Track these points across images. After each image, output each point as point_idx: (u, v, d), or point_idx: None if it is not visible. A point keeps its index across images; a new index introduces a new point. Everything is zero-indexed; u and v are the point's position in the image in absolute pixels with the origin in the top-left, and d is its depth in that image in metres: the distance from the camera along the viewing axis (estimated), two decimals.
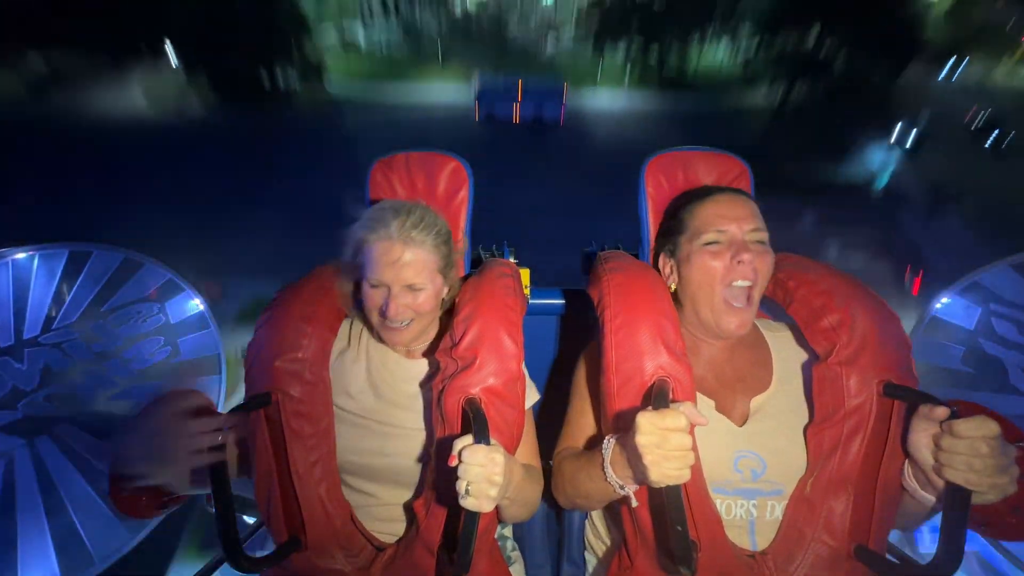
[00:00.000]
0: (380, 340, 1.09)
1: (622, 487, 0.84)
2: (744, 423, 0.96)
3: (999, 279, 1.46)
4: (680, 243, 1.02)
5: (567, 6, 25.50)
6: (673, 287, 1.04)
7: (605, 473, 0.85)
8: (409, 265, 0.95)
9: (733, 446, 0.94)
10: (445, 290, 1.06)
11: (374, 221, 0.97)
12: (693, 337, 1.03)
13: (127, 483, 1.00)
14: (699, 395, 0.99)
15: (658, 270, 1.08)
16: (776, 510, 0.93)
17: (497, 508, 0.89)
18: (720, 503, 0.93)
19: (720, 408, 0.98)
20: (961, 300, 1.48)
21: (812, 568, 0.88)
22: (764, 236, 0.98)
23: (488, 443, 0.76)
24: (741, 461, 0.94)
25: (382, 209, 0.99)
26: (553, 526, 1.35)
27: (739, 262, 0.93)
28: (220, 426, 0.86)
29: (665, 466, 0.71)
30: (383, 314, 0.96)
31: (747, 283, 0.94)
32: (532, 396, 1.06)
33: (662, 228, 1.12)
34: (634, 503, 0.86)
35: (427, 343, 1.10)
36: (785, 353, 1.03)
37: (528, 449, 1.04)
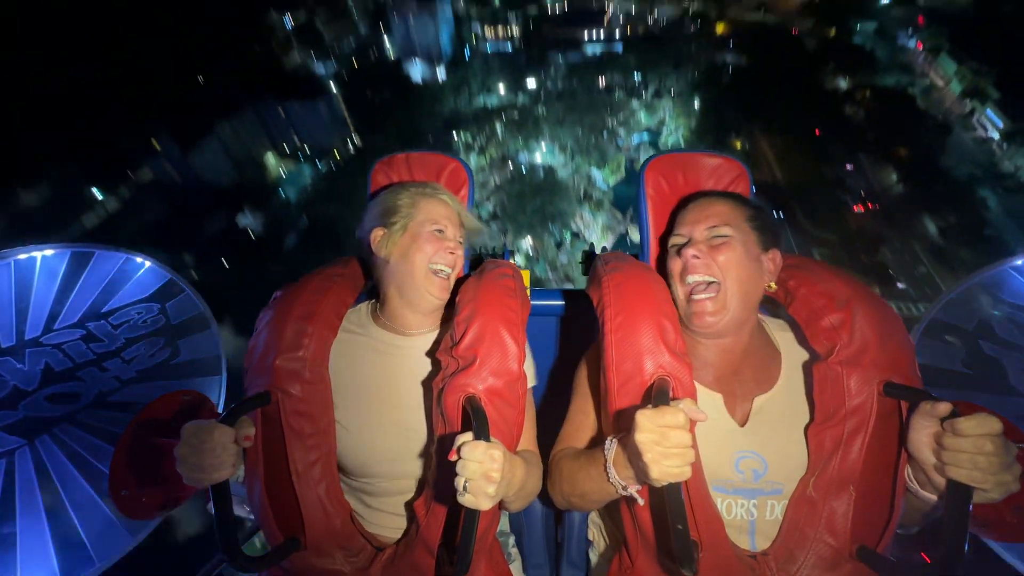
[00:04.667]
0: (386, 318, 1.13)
1: (624, 487, 0.84)
2: (746, 423, 0.96)
3: (999, 281, 1.46)
4: (668, 246, 1.08)
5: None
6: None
7: (607, 473, 0.85)
8: (457, 218, 1.14)
9: (735, 446, 0.94)
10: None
11: (422, 189, 1.13)
12: (693, 339, 1.03)
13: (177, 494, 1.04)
14: (706, 390, 0.99)
15: (663, 270, 1.09)
16: (776, 510, 0.93)
17: (500, 500, 0.88)
18: (720, 502, 0.93)
19: (726, 404, 0.98)
20: (960, 302, 1.48)
21: (814, 568, 0.87)
22: (725, 231, 1.00)
23: (488, 440, 0.76)
24: (743, 462, 0.93)
25: (421, 184, 1.15)
26: (553, 526, 1.35)
27: (685, 259, 0.99)
28: (237, 439, 0.85)
29: (665, 463, 0.71)
30: (444, 260, 1.08)
31: (701, 277, 0.98)
32: (531, 379, 1.06)
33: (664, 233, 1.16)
34: (640, 502, 0.85)
35: (434, 330, 1.13)
36: (791, 351, 1.03)
37: (527, 434, 1.03)
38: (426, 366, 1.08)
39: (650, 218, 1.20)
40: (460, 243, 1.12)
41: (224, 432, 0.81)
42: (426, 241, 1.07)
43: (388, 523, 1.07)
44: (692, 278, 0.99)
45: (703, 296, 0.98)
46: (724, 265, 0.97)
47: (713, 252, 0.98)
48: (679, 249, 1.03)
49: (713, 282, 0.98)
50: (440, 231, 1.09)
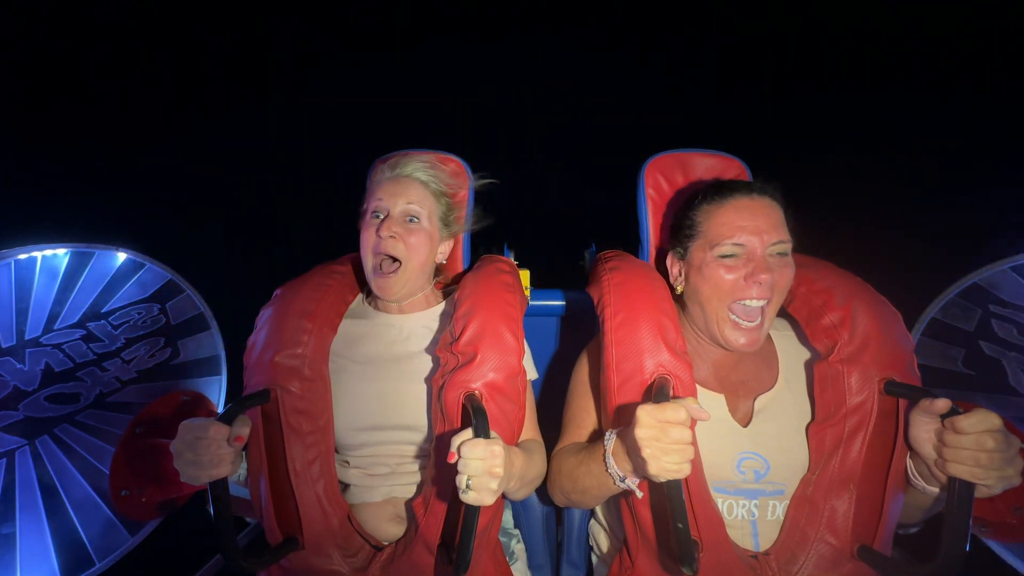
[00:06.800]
0: (375, 301, 1.13)
1: (622, 479, 0.83)
2: (748, 423, 0.96)
3: (998, 280, 1.46)
4: (692, 248, 0.97)
5: None
6: (680, 290, 1.02)
7: (606, 463, 0.84)
8: (409, 191, 1.04)
9: (737, 447, 0.94)
10: (440, 249, 1.11)
11: (385, 162, 1.07)
12: (698, 340, 1.02)
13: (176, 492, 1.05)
14: (709, 391, 0.98)
15: (663, 268, 1.08)
16: (778, 510, 0.93)
17: (502, 495, 0.88)
18: (721, 503, 0.93)
19: (728, 405, 0.98)
20: (960, 302, 1.48)
21: (815, 568, 0.87)
22: (787, 247, 0.92)
23: (488, 436, 0.76)
24: (745, 463, 0.93)
25: (395, 154, 1.10)
26: (553, 527, 1.34)
27: (756, 283, 0.88)
28: (233, 436, 0.83)
29: (664, 460, 0.71)
30: (377, 249, 1.01)
31: (761, 303, 0.90)
32: (531, 373, 1.06)
33: (674, 225, 1.05)
34: (639, 494, 0.85)
35: (420, 297, 1.12)
36: (790, 352, 1.03)
37: (528, 423, 1.03)
38: (419, 338, 1.08)
39: (650, 218, 1.20)
40: (411, 221, 1.03)
41: (220, 429, 0.81)
42: (365, 231, 1.03)
43: (382, 513, 1.03)
44: (753, 303, 0.90)
45: (752, 324, 0.91)
46: (780, 287, 0.90)
47: (776, 273, 0.88)
48: (733, 263, 0.90)
49: (762, 305, 0.91)
50: (377, 214, 1.02)
